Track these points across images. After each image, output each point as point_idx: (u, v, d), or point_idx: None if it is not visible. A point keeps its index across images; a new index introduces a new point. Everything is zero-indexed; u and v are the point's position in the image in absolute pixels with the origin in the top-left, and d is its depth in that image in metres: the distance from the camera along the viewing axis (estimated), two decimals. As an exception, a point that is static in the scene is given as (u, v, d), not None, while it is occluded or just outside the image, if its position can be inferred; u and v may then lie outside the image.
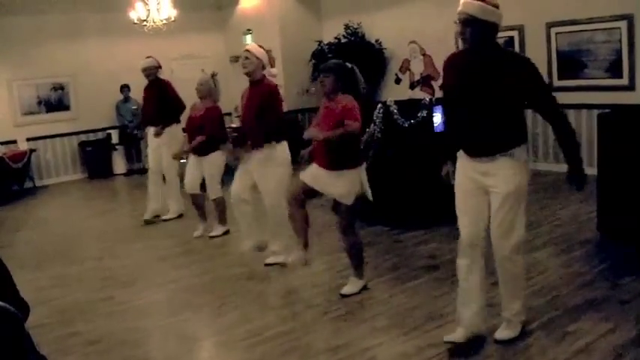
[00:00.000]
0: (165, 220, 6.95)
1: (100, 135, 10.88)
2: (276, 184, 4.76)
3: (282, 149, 4.81)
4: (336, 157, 3.99)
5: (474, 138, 3.13)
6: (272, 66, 5.01)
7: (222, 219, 6.14)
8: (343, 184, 3.99)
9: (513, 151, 3.07)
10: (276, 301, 4.25)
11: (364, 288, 4.25)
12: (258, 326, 3.82)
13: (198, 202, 6.22)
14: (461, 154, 3.24)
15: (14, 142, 9.83)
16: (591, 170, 6.21)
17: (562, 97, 7.80)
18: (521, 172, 3.11)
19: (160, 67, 6.99)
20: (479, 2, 2.97)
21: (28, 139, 9.98)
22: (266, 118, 4.72)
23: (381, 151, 5.72)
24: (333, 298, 4.18)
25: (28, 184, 9.92)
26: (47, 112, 10.42)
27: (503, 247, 3.17)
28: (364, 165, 4.14)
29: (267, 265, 4.97)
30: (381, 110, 5.66)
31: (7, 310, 2.08)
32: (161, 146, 6.79)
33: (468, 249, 3.27)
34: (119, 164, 10.89)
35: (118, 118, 10.80)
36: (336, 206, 4.17)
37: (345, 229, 4.15)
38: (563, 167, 7.84)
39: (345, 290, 4.21)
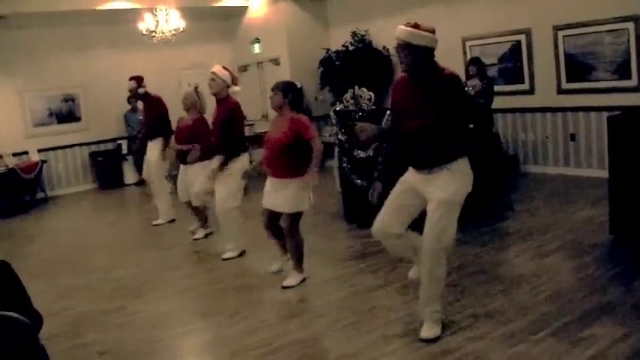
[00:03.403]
0: (155, 225, 7.27)
1: (111, 145, 10.96)
2: (226, 191, 5.39)
3: (239, 162, 5.35)
4: (285, 166, 4.45)
5: (414, 154, 3.45)
6: (235, 84, 5.48)
7: (203, 222, 6.48)
8: (288, 194, 4.45)
9: (450, 165, 3.33)
10: (286, 311, 4.24)
11: (302, 280, 4.71)
12: (269, 336, 3.81)
13: (193, 207, 6.38)
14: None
15: (26, 153, 9.93)
16: (602, 173, 6.21)
17: (571, 100, 7.86)
18: (457, 183, 3.35)
19: (138, 85, 7.07)
20: (410, 29, 3.29)
21: (40, 150, 10.08)
22: (226, 132, 5.30)
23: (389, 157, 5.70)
24: (344, 306, 4.17)
25: (39, 195, 10.00)
26: (58, 123, 10.53)
27: (432, 249, 3.38)
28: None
29: (224, 259, 5.54)
30: (390, 117, 5.64)
31: (21, 321, 2.10)
32: (150, 158, 7.16)
33: (380, 237, 3.68)
34: (129, 174, 10.95)
35: (126, 128, 10.87)
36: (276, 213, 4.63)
37: (287, 231, 4.59)
38: (573, 171, 7.86)
39: (286, 283, 4.67)
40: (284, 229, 4.63)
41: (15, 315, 2.10)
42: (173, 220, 7.30)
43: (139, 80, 7.07)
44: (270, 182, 4.62)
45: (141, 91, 7.08)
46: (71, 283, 5.34)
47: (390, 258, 5.08)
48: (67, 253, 6.51)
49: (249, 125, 9.31)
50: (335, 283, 4.67)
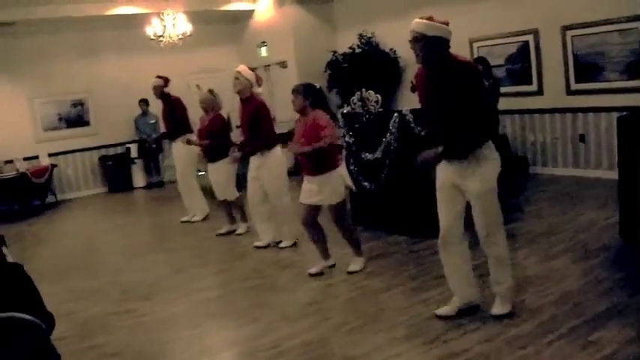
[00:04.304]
0: (193, 222, 7.43)
1: (120, 149, 11.04)
2: (274, 183, 5.65)
3: (275, 154, 5.62)
4: (317, 163, 4.65)
5: (442, 144, 3.49)
6: (259, 85, 5.73)
7: (242, 217, 6.64)
8: (327, 188, 4.65)
9: (478, 152, 3.44)
10: (295, 313, 4.25)
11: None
12: (278, 337, 3.82)
13: (234, 205, 6.63)
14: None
15: (36, 157, 10.02)
16: (612, 174, 6.17)
17: (580, 101, 7.80)
18: (487, 170, 3.47)
19: (164, 85, 7.32)
20: (425, 21, 3.39)
21: (50, 155, 10.16)
22: (256, 130, 5.55)
23: (397, 160, 5.71)
24: (351, 309, 4.17)
25: (50, 199, 10.08)
26: (67, 127, 10.63)
27: (483, 236, 3.58)
28: (343, 163, 4.81)
29: (280, 247, 5.84)
30: (397, 119, 5.64)
31: (34, 322, 2.13)
32: (176, 157, 7.42)
33: (441, 244, 3.70)
34: (138, 178, 11.02)
35: (136, 132, 10.94)
36: (314, 209, 4.85)
37: (336, 221, 4.82)
38: (583, 172, 7.78)
39: (351, 268, 4.86)
40: (334, 222, 4.83)
41: (27, 317, 2.13)
42: (207, 216, 7.48)
43: (166, 80, 7.33)
44: (307, 180, 4.78)
45: (166, 90, 7.32)
46: (81, 285, 5.38)
47: (396, 260, 5.09)
48: (77, 256, 6.56)
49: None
50: (342, 285, 4.68)
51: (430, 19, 3.39)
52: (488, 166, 3.49)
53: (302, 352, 3.58)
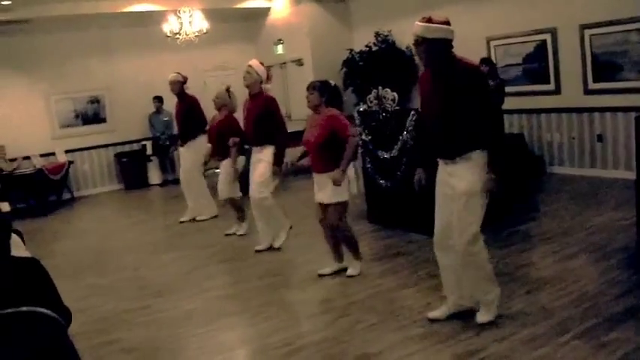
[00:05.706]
0: (198, 221, 7.43)
1: (136, 146, 11.11)
2: (258, 177, 5.56)
3: (271, 150, 5.53)
4: (325, 161, 4.56)
5: (438, 143, 3.52)
6: (268, 82, 5.65)
7: (241, 217, 6.62)
8: (330, 186, 4.52)
9: (471, 154, 3.39)
10: (309, 310, 4.26)
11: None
12: (292, 335, 3.83)
13: (234, 204, 6.58)
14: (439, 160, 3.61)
15: (53, 154, 10.12)
16: (630, 175, 6.10)
17: (598, 100, 7.70)
18: (476, 172, 3.39)
19: (184, 81, 7.32)
20: (424, 23, 3.33)
21: (66, 151, 10.25)
22: (262, 125, 5.47)
23: (413, 158, 5.68)
24: (366, 307, 4.17)
25: (66, 195, 10.18)
26: (84, 124, 10.72)
27: (459, 243, 3.49)
28: (352, 166, 4.68)
29: (257, 251, 5.76)
30: (414, 117, 5.62)
31: (51, 317, 2.16)
32: (186, 154, 7.39)
33: (436, 249, 3.68)
34: (154, 175, 11.08)
35: (150, 129, 11.00)
36: (325, 207, 4.70)
37: (333, 226, 4.69)
38: (600, 172, 7.70)
39: (350, 272, 4.79)
40: (328, 225, 4.71)
41: (45, 311, 2.15)
42: (216, 216, 7.47)
43: (185, 77, 7.34)
44: (315, 178, 4.72)
45: (185, 87, 7.33)
46: (97, 282, 5.43)
47: (412, 259, 5.08)
48: (93, 252, 6.62)
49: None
50: (357, 283, 4.67)
51: (429, 20, 3.34)
52: (476, 167, 3.39)
53: (315, 350, 3.59)
